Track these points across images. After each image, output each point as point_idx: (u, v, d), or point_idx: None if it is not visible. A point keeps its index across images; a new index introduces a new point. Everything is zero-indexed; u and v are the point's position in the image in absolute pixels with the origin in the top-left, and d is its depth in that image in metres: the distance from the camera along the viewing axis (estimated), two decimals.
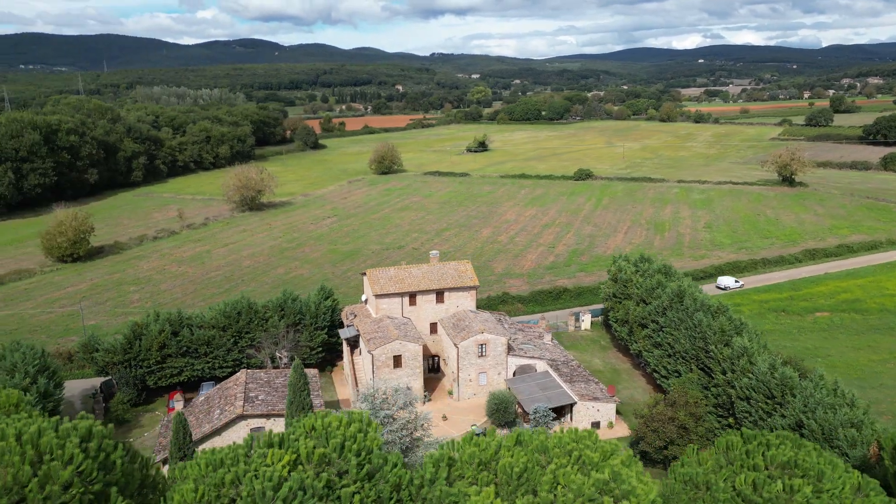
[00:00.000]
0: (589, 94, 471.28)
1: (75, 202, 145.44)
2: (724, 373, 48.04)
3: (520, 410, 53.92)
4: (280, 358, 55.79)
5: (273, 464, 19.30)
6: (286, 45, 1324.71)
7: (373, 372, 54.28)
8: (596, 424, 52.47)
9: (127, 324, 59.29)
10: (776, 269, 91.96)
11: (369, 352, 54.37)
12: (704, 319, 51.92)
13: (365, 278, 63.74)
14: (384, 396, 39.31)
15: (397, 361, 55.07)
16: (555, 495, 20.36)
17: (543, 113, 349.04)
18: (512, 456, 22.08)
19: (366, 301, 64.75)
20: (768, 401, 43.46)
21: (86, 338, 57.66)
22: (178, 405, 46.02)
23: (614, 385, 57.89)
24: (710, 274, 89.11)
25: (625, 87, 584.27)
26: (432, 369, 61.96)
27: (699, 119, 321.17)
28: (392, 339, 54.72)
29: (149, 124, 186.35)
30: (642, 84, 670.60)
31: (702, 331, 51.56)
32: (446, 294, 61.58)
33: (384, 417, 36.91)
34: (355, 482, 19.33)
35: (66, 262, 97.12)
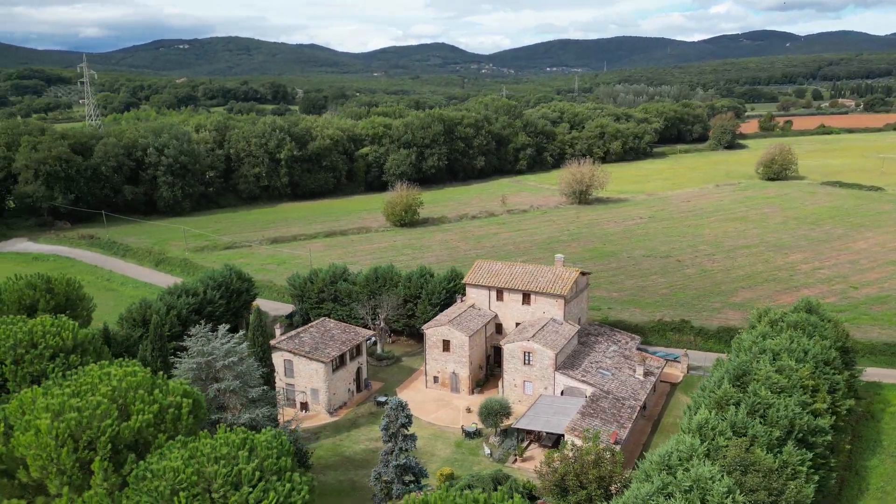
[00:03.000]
0: None
1: (462, 182, 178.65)
2: None
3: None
4: (375, 318, 66.57)
5: None
6: (801, 34, 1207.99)
7: (426, 348, 60.42)
8: None
9: (330, 269, 78.46)
10: None
11: (424, 329, 60.54)
12: None
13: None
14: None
15: (446, 346, 59.55)
16: None
17: None
18: None
19: None
20: None
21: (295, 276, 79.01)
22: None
23: (619, 434, 49.63)
24: None
25: None
26: None
27: None
28: (443, 324, 59.45)
29: (549, 121, 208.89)
30: None
31: None
32: (532, 297, 61.38)
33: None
34: None
35: (398, 227, 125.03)
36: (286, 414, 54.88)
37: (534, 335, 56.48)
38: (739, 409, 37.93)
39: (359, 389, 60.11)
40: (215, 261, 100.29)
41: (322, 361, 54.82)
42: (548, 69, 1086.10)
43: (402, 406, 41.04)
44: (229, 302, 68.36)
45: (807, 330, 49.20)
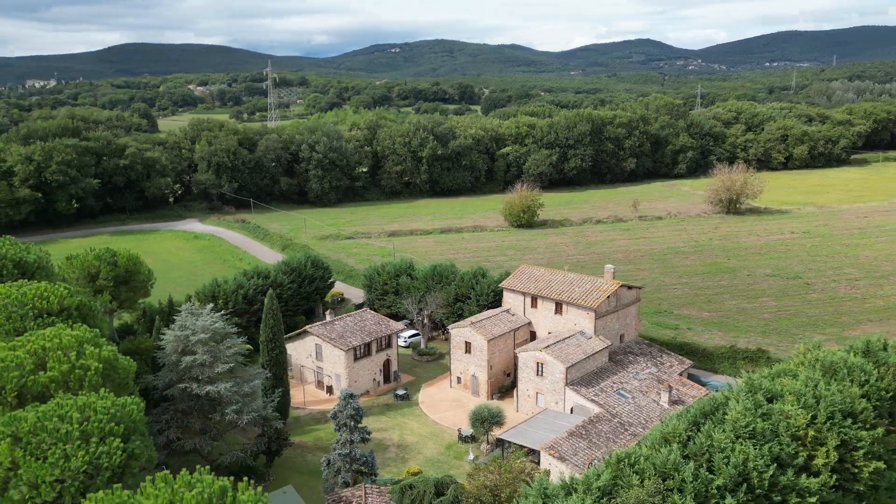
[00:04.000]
0: None
1: (609, 185, 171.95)
2: None
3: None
4: (418, 314, 68.09)
5: None
6: None
7: (450, 348, 60.88)
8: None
9: (400, 263, 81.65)
10: None
11: (450, 329, 60.96)
12: None
13: None
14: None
15: (468, 347, 59.44)
16: None
17: None
18: None
19: None
20: None
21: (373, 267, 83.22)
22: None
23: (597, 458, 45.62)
24: None
25: None
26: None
27: None
28: (465, 326, 59.39)
29: (721, 121, 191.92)
30: None
31: None
32: (564, 307, 58.74)
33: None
34: None
35: (515, 227, 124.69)
36: (308, 393, 59.11)
37: (549, 346, 54.33)
38: (673, 449, 33.87)
39: (387, 380, 62.40)
40: (330, 248, 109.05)
41: (342, 349, 58.03)
42: (767, 64, 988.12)
43: (351, 397, 42.51)
44: (300, 286, 74.44)
45: (840, 373, 41.66)
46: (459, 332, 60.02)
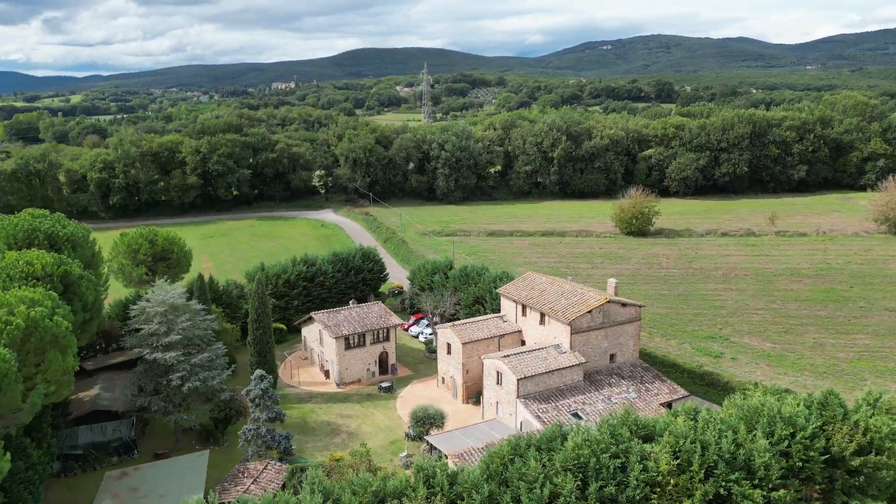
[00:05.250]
0: None
1: (771, 194, 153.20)
2: None
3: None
4: (432, 312, 68.72)
5: None
6: None
7: (436, 346, 61.22)
8: None
9: (439, 262, 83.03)
10: None
11: (437, 328, 61.19)
12: None
13: None
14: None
15: (449, 349, 59.30)
16: None
17: None
18: None
19: None
20: None
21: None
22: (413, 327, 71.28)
23: None
24: None
25: None
26: None
27: None
28: (447, 327, 59.26)
29: None
30: None
31: None
32: (546, 318, 55.94)
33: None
34: None
35: (625, 235, 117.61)
36: (312, 375, 63.72)
37: (508, 355, 52.52)
38: (530, 454, 32.46)
39: (383, 372, 64.61)
40: (424, 243, 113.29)
41: (333, 336, 61.55)
42: None
43: (262, 377, 45.73)
44: (345, 276, 79.40)
45: (759, 422, 35.60)
46: (443, 332, 60.18)
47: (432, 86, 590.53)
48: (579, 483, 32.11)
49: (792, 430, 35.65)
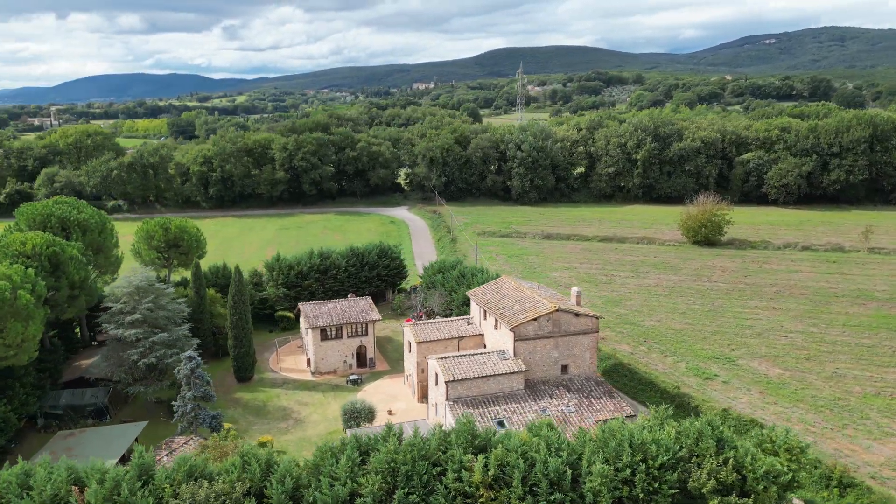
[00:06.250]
0: None
1: (894, 207, 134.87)
2: None
3: None
4: (417, 310, 68.65)
5: None
6: None
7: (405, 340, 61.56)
8: None
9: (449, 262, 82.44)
10: None
11: (403, 326, 61.37)
12: None
13: None
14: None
15: (409, 346, 59.32)
16: None
17: None
18: None
19: None
20: None
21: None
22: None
23: None
24: None
25: None
26: None
27: None
28: (407, 327, 59.29)
29: None
30: None
31: None
32: (498, 323, 54.27)
33: None
34: None
35: (691, 244, 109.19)
36: (298, 362, 66.78)
37: (445, 357, 51.72)
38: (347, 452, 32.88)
39: (361, 365, 65.98)
40: (472, 243, 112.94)
41: (310, 327, 63.95)
42: None
43: (190, 358, 48.85)
44: (359, 271, 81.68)
45: (608, 444, 32.89)
46: (406, 330, 60.34)
47: (564, 85, 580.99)
48: (387, 486, 31.70)
49: (642, 458, 32.69)
